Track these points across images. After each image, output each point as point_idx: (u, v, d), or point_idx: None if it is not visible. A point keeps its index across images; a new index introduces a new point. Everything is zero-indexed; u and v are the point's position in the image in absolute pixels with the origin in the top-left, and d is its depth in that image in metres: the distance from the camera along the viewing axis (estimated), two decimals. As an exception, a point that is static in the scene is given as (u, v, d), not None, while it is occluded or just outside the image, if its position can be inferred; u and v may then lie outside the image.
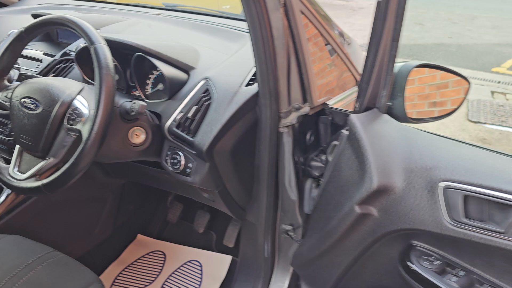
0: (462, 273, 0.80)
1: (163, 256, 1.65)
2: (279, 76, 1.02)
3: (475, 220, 0.75)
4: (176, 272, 1.58)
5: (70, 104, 0.94)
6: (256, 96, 1.06)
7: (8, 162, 1.02)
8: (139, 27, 1.41)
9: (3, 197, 1.31)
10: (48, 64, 1.25)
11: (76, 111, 0.94)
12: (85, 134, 0.89)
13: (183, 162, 1.08)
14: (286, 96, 1.05)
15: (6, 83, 1.07)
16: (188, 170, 1.08)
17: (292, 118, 1.08)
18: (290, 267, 1.29)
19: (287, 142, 1.11)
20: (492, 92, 4.30)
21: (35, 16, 1.37)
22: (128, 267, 1.60)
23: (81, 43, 1.26)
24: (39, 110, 0.94)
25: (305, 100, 1.08)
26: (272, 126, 1.07)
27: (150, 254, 1.66)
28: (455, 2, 8.94)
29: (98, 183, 1.49)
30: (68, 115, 0.94)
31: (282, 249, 1.29)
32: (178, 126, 1.07)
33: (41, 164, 0.96)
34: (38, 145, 0.96)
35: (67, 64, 1.25)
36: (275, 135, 1.09)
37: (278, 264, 1.30)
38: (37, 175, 0.96)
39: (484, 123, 3.60)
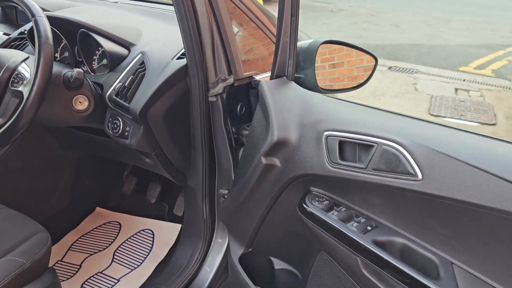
0: (343, 209, 0.95)
1: (118, 226, 1.77)
2: (205, 50, 1.16)
3: (348, 161, 0.90)
4: (129, 240, 1.71)
5: (14, 69, 1.08)
6: (185, 67, 1.19)
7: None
8: (94, 12, 1.54)
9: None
10: (4, 41, 1.38)
11: (19, 76, 1.07)
12: (25, 94, 1.02)
13: (121, 126, 1.22)
14: (213, 68, 1.19)
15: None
16: (126, 133, 1.22)
17: (219, 88, 1.22)
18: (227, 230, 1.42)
19: (217, 111, 1.25)
20: (456, 89, 4.50)
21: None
22: (85, 236, 1.73)
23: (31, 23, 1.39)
24: (-5, 75, 1.08)
25: (230, 72, 1.22)
26: (201, 95, 1.21)
27: (107, 224, 1.79)
28: (433, 5, 9.19)
29: (54, 155, 1.62)
30: (12, 79, 1.07)
31: (221, 214, 1.43)
32: (117, 95, 1.20)
33: (-11, 122, 1.09)
34: (-13, 106, 1.09)
35: (21, 41, 1.38)
36: (205, 104, 1.23)
37: (218, 226, 1.43)
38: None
39: (444, 117, 3.79)
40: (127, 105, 1.18)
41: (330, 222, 0.92)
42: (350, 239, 0.88)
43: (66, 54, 1.34)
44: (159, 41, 1.31)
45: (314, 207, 0.97)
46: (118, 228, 1.77)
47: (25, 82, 1.06)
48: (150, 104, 1.17)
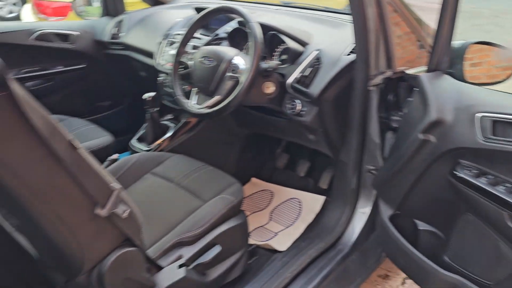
0: (491, 177, 1.17)
1: (271, 194, 2.15)
2: (370, 48, 1.45)
3: (499, 136, 1.13)
4: (281, 205, 2.07)
5: (230, 61, 1.48)
6: (353, 63, 1.50)
7: (188, 98, 1.60)
8: (270, 16, 1.92)
9: (170, 133, 1.91)
10: (209, 40, 1.82)
11: (235, 66, 1.47)
12: (242, 80, 1.42)
13: (299, 107, 1.57)
14: (374, 63, 1.48)
15: (188, 50, 1.65)
16: (302, 113, 1.56)
17: (378, 80, 1.51)
18: (372, 197, 1.70)
19: (374, 99, 1.54)
20: None
21: (198, 9, 1.95)
22: (244, 199, 2.13)
23: (227, 27, 1.82)
24: (213, 65, 1.49)
25: (388, 67, 1.50)
26: (363, 85, 1.51)
27: (261, 191, 2.18)
28: None
29: (231, 131, 2.04)
30: (230, 67, 1.47)
31: (365, 184, 1.71)
32: (297, 82, 1.56)
33: (211, 100, 1.51)
34: (210, 87, 1.51)
35: (219, 41, 1.80)
36: (365, 93, 1.53)
37: (362, 195, 1.72)
38: (207, 106, 1.51)
39: None
40: (306, 90, 1.52)
41: (480, 184, 1.16)
42: (497, 197, 1.11)
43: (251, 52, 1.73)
44: (327, 41, 1.64)
45: (465, 173, 1.22)
46: (271, 196, 2.14)
47: (239, 71, 1.46)
48: (324, 91, 1.50)
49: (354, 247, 1.69)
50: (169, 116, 2.04)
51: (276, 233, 1.90)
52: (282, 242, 1.80)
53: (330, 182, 2.04)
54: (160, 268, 1.22)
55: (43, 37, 2.17)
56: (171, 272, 1.22)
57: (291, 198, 2.11)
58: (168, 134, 1.91)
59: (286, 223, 1.96)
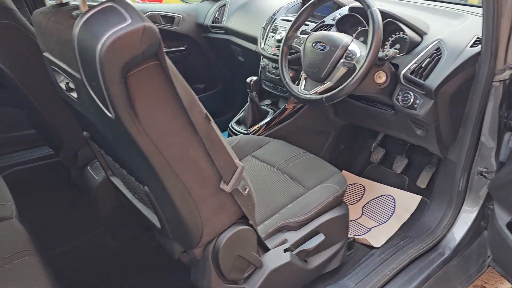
0: None
1: (363, 188, 2.09)
2: (499, 41, 1.34)
3: None
4: (373, 200, 2.01)
5: (347, 47, 1.44)
6: (477, 55, 1.40)
7: (295, 82, 1.58)
8: (384, 4, 1.84)
9: (268, 118, 1.91)
10: (316, 26, 1.78)
11: (351, 52, 1.43)
12: (358, 67, 1.37)
13: (412, 99, 1.49)
14: (503, 57, 1.36)
15: (298, 34, 1.62)
16: (415, 105, 1.48)
17: (506, 75, 1.39)
18: (480, 201, 1.59)
19: (496, 95, 1.42)
20: None
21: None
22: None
23: (337, 14, 1.77)
24: (326, 50, 1.46)
25: (519, 60, 1.37)
26: (487, 80, 1.40)
27: (352, 185, 2.12)
28: None
29: (328, 120, 2.00)
30: (345, 54, 1.43)
31: (474, 188, 1.60)
32: (411, 73, 1.48)
33: (321, 86, 1.48)
34: (321, 73, 1.48)
35: (324, 27, 1.76)
36: (488, 88, 1.42)
37: (468, 198, 1.61)
38: (317, 93, 1.48)
39: None
40: (422, 82, 1.44)
41: None
42: None
43: (361, 39, 1.68)
44: (447, 32, 1.54)
45: None
46: (363, 190, 2.08)
47: (355, 58, 1.42)
48: (444, 83, 1.41)
49: (456, 252, 1.59)
50: (268, 101, 2.04)
51: (369, 228, 1.84)
52: (377, 238, 1.74)
53: (429, 182, 1.93)
54: (267, 249, 1.22)
55: (151, 18, 2.26)
56: (277, 255, 1.22)
57: (384, 195, 2.03)
58: (267, 119, 1.91)
59: (379, 220, 1.89)
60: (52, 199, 1.84)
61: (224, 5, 2.34)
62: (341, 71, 1.45)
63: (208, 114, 0.92)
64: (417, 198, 1.94)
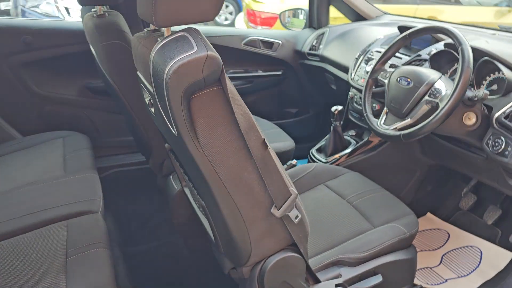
0: None
1: (447, 235, 1.94)
2: None
3: None
4: (456, 250, 1.85)
5: (432, 84, 1.37)
6: None
7: (376, 117, 1.55)
8: (478, 42, 1.73)
9: (349, 149, 1.89)
10: (409, 60, 1.73)
11: (436, 90, 1.36)
12: (441, 106, 1.30)
13: (503, 145, 1.36)
14: None
15: (385, 68, 1.60)
16: (506, 153, 1.35)
17: None
18: None
19: None
20: None
21: (401, 27, 1.88)
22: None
23: (432, 49, 1.69)
24: (410, 86, 1.41)
25: None
26: None
27: (436, 230, 1.98)
28: None
29: (413, 158, 1.91)
30: (430, 92, 1.37)
31: None
32: (506, 117, 1.36)
33: (401, 122, 1.43)
34: (402, 109, 1.43)
35: (417, 61, 1.70)
36: None
37: None
38: (395, 128, 1.44)
39: None
40: (517, 128, 1.31)
41: None
42: None
43: (453, 77, 1.58)
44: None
45: None
46: (447, 237, 1.93)
47: (439, 96, 1.35)
48: (543, 132, 1.27)
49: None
50: (352, 132, 2.01)
51: (445, 279, 1.70)
52: (451, 292, 1.60)
53: (525, 239, 1.73)
54: (317, 281, 1.20)
55: (252, 43, 2.39)
56: (328, 288, 1.20)
57: (470, 246, 1.86)
58: (348, 150, 1.89)
59: (459, 272, 1.73)
60: (141, 202, 2.03)
61: (323, 33, 2.38)
62: (423, 108, 1.39)
63: (265, 140, 0.96)
64: (509, 255, 1.74)
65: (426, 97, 1.38)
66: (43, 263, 1.17)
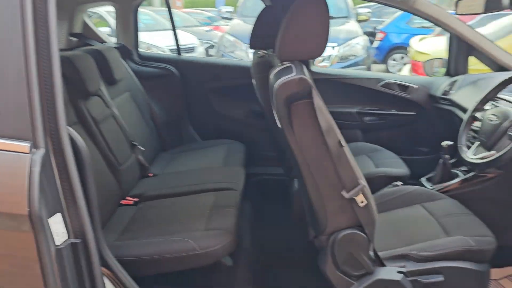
0: None
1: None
2: None
3: None
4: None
5: (515, 120, 1.57)
6: None
7: (469, 148, 1.78)
8: None
9: (456, 180, 2.08)
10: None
11: (514, 126, 1.56)
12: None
13: None
14: None
15: (485, 107, 1.82)
16: None
17: None
18: None
19: None
20: None
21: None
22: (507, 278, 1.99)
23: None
24: (497, 122, 1.63)
25: None
26: None
27: None
28: None
29: None
30: (510, 127, 1.57)
31: None
32: None
33: (487, 153, 1.64)
34: (489, 142, 1.65)
35: None
36: None
37: None
38: (481, 158, 1.65)
39: None
40: None
41: None
42: None
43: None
44: None
45: None
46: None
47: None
48: None
49: None
50: (464, 168, 2.18)
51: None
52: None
53: None
54: (383, 265, 1.51)
55: (388, 85, 2.76)
56: (390, 271, 1.50)
57: None
58: (454, 181, 2.08)
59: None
60: (273, 202, 2.58)
61: (456, 80, 2.59)
62: (506, 142, 1.58)
63: (341, 141, 1.39)
64: None
65: (509, 132, 1.58)
66: (197, 210, 1.80)
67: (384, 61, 9.26)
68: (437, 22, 2.57)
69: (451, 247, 1.52)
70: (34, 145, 1.04)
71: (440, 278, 1.49)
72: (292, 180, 2.19)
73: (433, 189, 2.12)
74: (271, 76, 1.41)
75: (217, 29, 10.97)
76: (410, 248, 1.55)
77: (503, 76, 2.44)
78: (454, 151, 2.15)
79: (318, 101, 1.37)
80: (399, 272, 1.50)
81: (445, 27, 2.59)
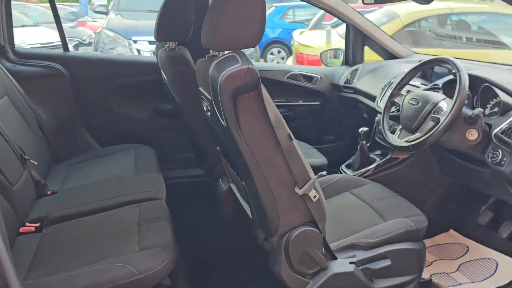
0: None
1: (466, 248, 2.12)
2: None
3: None
4: (473, 261, 2.02)
5: (436, 103, 1.66)
6: None
7: (392, 133, 1.84)
8: (479, 71, 1.98)
9: (374, 165, 2.16)
10: (426, 88, 2.01)
11: (439, 108, 1.64)
12: (441, 120, 1.58)
13: (500, 156, 1.59)
14: None
15: (402, 93, 1.90)
16: (503, 162, 1.58)
17: None
18: None
19: None
20: None
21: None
22: (438, 245, 2.16)
23: (445, 78, 1.97)
24: (418, 105, 1.70)
25: None
26: None
27: (456, 244, 2.16)
28: None
29: (432, 175, 2.14)
30: (434, 109, 1.65)
31: None
32: (502, 133, 1.60)
33: (412, 136, 1.71)
34: (412, 125, 1.71)
35: (432, 89, 1.97)
36: None
37: None
38: (407, 141, 1.71)
39: None
40: (510, 141, 1.55)
41: None
42: None
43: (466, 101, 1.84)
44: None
45: None
46: (466, 250, 2.11)
47: (442, 113, 1.63)
48: (529, 144, 1.50)
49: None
50: (378, 152, 2.28)
51: (459, 283, 1.88)
52: (462, 291, 1.79)
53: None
54: (335, 258, 1.47)
55: (293, 76, 2.77)
56: (343, 264, 1.46)
57: (487, 258, 2.03)
58: (373, 165, 2.16)
59: (474, 278, 1.91)
60: (194, 206, 2.40)
61: (357, 69, 2.71)
62: (429, 124, 1.66)
63: (291, 134, 1.30)
64: (524, 265, 1.90)
65: (431, 114, 1.66)
66: (122, 228, 1.54)
67: (262, 55, 9.52)
68: (335, 13, 2.65)
69: (393, 230, 1.55)
70: None
71: (387, 262, 1.51)
72: (216, 180, 2.05)
73: (355, 175, 2.17)
74: (211, 68, 1.26)
75: (83, 25, 10.11)
76: (356, 237, 1.54)
77: (398, 63, 2.62)
78: (369, 136, 2.23)
79: (265, 92, 1.26)
80: (351, 262, 1.47)
81: (343, 18, 2.68)
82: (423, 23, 5.74)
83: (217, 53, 1.38)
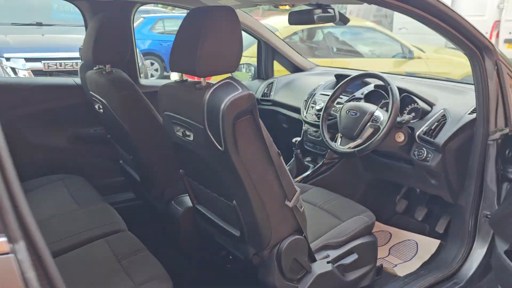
0: None
1: (389, 235, 2.45)
2: (490, 110, 1.79)
3: None
4: (398, 244, 2.36)
5: (373, 113, 1.91)
6: (474, 120, 1.84)
7: (333, 140, 2.05)
8: (398, 83, 2.35)
9: (309, 171, 2.36)
10: (348, 99, 2.28)
11: (376, 117, 1.90)
12: (381, 128, 1.84)
13: (425, 154, 1.92)
14: (494, 122, 1.80)
15: (335, 105, 2.13)
16: (428, 158, 1.91)
17: (497, 135, 1.82)
18: (488, 240, 1.93)
19: (492, 151, 1.84)
20: None
21: (337, 75, 2.46)
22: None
23: (365, 90, 2.27)
24: (357, 116, 1.94)
25: (506, 125, 1.81)
26: (483, 139, 1.83)
27: (380, 232, 2.48)
28: None
29: (357, 174, 2.43)
30: (372, 118, 1.90)
31: (482, 229, 1.95)
32: (424, 134, 1.93)
33: (353, 142, 1.94)
34: (353, 133, 1.95)
35: (354, 100, 2.25)
36: (484, 146, 1.84)
37: (478, 237, 1.96)
38: (350, 147, 1.94)
39: None
40: (432, 140, 1.88)
41: None
42: None
43: (384, 108, 2.15)
44: (451, 103, 2.00)
45: None
46: (390, 236, 2.44)
47: (379, 121, 1.89)
48: (448, 141, 1.85)
49: (470, 282, 1.91)
50: (308, 158, 2.50)
51: (395, 264, 2.18)
52: (401, 270, 2.08)
53: (446, 227, 2.29)
54: (314, 260, 1.60)
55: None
56: (322, 264, 1.60)
57: (408, 240, 2.38)
58: (309, 172, 2.36)
59: (404, 258, 2.23)
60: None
61: (272, 82, 2.90)
62: (368, 131, 1.91)
63: (279, 152, 1.39)
64: (436, 242, 2.29)
65: (370, 123, 1.91)
66: (103, 268, 1.43)
67: (136, 68, 9.22)
68: (248, 30, 2.80)
69: (355, 228, 1.74)
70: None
71: (355, 256, 1.70)
72: (168, 203, 2.01)
73: (296, 181, 2.34)
74: (207, 95, 1.28)
75: None
76: (325, 238, 1.69)
77: (306, 75, 2.89)
78: (301, 145, 2.42)
79: (258, 115, 1.33)
80: (328, 262, 1.62)
81: (255, 35, 2.85)
82: (294, 37, 6.30)
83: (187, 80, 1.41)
